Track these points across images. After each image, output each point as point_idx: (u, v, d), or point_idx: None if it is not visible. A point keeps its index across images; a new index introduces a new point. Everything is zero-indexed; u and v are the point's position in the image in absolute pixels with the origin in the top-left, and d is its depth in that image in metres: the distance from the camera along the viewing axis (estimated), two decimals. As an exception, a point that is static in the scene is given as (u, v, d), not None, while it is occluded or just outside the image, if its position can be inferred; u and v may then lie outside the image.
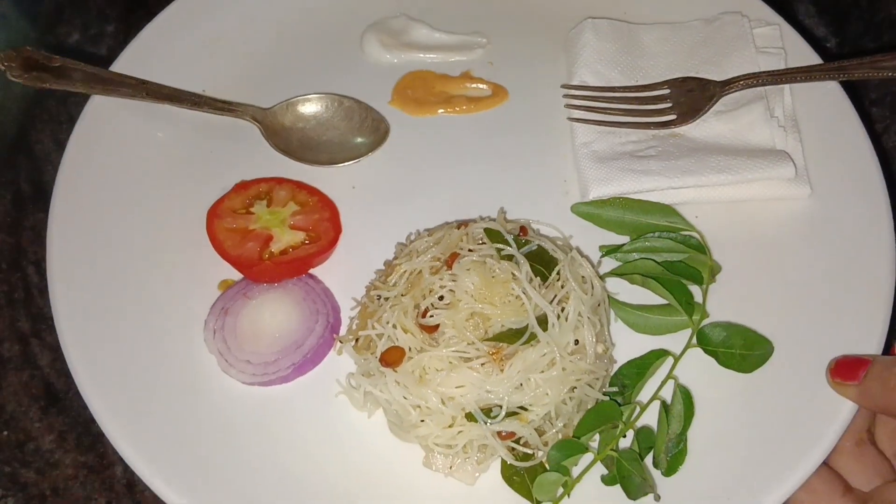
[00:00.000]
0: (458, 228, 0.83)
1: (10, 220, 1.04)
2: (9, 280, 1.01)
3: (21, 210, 1.05)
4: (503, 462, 0.76)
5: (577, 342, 0.77)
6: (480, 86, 1.00)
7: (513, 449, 0.75)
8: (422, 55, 1.02)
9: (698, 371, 0.80)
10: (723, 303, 0.84)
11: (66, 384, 0.94)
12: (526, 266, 0.77)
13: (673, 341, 0.82)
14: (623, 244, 0.87)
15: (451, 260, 0.79)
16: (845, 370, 0.77)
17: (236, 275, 0.87)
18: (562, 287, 0.78)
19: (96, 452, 0.91)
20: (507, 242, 0.79)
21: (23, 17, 1.21)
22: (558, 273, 0.79)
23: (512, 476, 0.76)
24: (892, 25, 1.19)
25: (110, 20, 1.19)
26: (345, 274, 0.87)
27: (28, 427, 0.93)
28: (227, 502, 0.75)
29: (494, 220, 0.86)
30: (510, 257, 0.78)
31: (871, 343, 0.80)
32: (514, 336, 0.75)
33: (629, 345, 0.83)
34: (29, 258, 1.02)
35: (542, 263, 0.79)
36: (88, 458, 0.91)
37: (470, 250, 0.79)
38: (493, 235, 0.81)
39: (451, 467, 0.77)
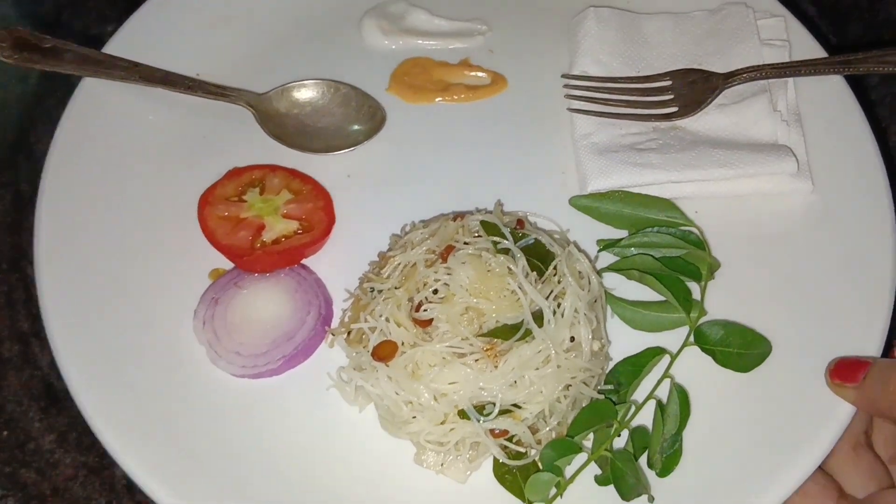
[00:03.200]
0: (454, 220, 0.82)
1: (10, 220, 1.04)
2: (9, 280, 1.00)
3: (21, 210, 1.04)
4: (495, 460, 0.75)
5: (572, 339, 0.76)
6: (479, 74, 0.98)
7: (505, 447, 0.74)
8: (421, 41, 1.01)
9: (695, 369, 0.79)
10: (722, 300, 0.83)
11: (66, 384, 0.92)
12: (522, 260, 0.76)
13: (670, 338, 0.81)
14: (621, 238, 0.86)
15: (447, 253, 0.77)
16: (844, 371, 0.76)
17: (228, 263, 0.86)
18: (558, 282, 0.77)
19: (96, 452, 0.90)
20: (503, 235, 0.78)
21: (23, 18, 1.21)
22: (555, 268, 0.77)
23: (504, 474, 0.75)
24: (892, 25, 1.18)
25: (110, 21, 1.18)
26: (338, 264, 0.86)
27: (28, 427, 0.92)
28: (214, 495, 0.74)
29: (491, 212, 0.84)
30: (506, 251, 0.77)
31: (870, 344, 0.79)
32: (509, 332, 0.74)
33: (626, 341, 0.82)
34: (29, 258, 0.97)
35: (539, 258, 0.78)
36: (88, 458, 0.91)
37: (466, 243, 0.78)
38: (489, 228, 0.79)
39: (442, 465, 0.76)
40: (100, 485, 0.89)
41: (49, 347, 0.90)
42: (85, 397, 0.78)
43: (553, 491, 0.72)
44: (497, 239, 0.78)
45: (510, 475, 0.75)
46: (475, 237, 0.79)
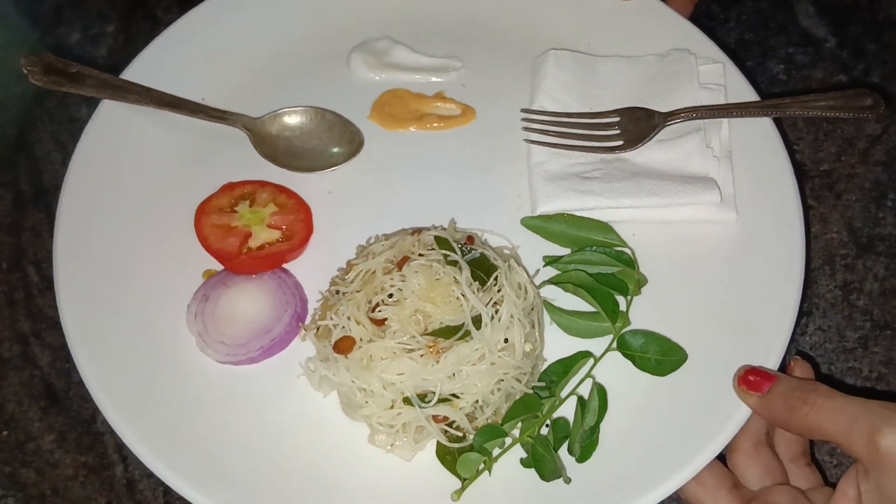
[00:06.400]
0: (413, 235, 0.93)
1: (9, 220, 1.10)
2: (9, 280, 1.06)
3: (21, 210, 1.11)
4: (438, 442, 0.86)
5: (506, 341, 0.87)
6: (451, 106, 1.10)
7: (446, 431, 0.85)
8: (402, 75, 1.12)
9: (616, 372, 0.90)
10: (647, 312, 0.94)
11: (66, 384, 1.00)
12: (467, 271, 0.88)
13: (600, 344, 0.92)
14: (564, 255, 0.97)
15: (402, 262, 0.89)
16: (752, 381, 0.85)
17: (219, 265, 0.97)
18: (498, 291, 0.88)
19: (96, 452, 0.96)
20: (453, 249, 0.89)
21: (23, 17, 1.26)
22: (496, 279, 0.89)
23: (445, 455, 0.86)
24: (892, 25, 1.23)
25: (110, 20, 1.25)
26: (314, 269, 0.97)
27: (28, 427, 0.97)
28: (193, 460, 0.86)
29: (445, 229, 0.96)
30: (455, 263, 0.89)
31: (771, 359, 0.89)
32: (450, 332, 0.85)
33: (562, 345, 0.93)
34: (29, 258, 1.08)
35: (483, 269, 0.89)
36: (88, 458, 0.96)
37: (420, 255, 0.90)
38: (441, 243, 0.91)
39: (391, 445, 0.87)
40: (100, 485, 0.95)
41: (49, 348, 0.99)
42: (91, 375, 0.89)
43: (481, 466, 0.84)
44: (447, 252, 0.89)
45: (450, 456, 0.85)
46: (429, 250, 0.90)
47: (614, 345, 0.91)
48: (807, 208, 0.99)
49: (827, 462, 0.98)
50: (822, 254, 1.09)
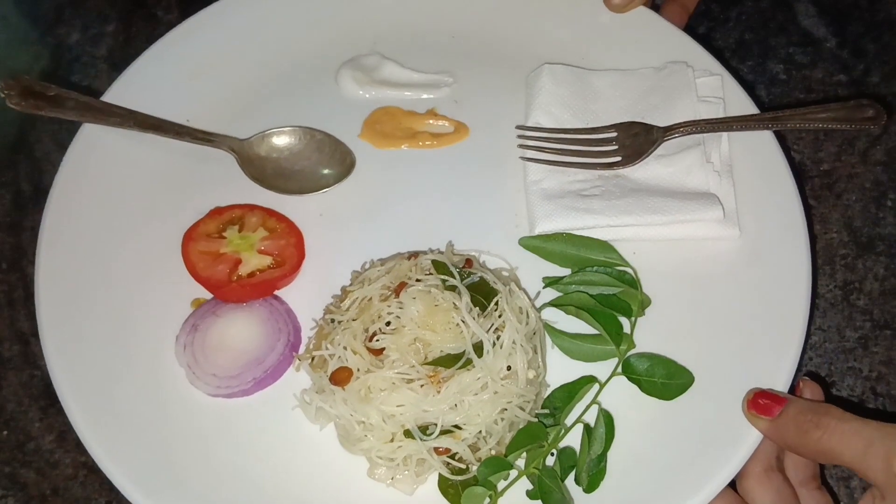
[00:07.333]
0: (409, 259, 0.90)
1: (9, 220, 1.09)
2: (9, 280, 1.05)
3: (21, 210, 1.10)
4: (440, 475, 0.83)
5: (509, 368, 0.84)
6: (443, 123, 1.07)
7: (449, 463, 0.82)
8: (392, 92, 1.09)
9: (622, 396, 0.87)
10: (651, 334, 0.91)
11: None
12: (466, 297, 0.85)
13: (604, 368, 0.90)
14: (564, 276, 0.94)
15: (400, 288, 0.86)
16: (762, 405, 0.83)
17: (209, 294, 0.94)
18: (499, 317, 0.85)
19: None
20: (451, 274, 0.87)
21: (23, 17, 1.25)
22: (496, 304, 0.86)
23: (448, 488, 0.83)
24: (892, 25, 1.23)
25: (110, 20, 1.24)
26: (307, 296, 0.94)
27: (28, 427, 0.97)
28: (184, 501, 0.83)
29: (443, 252, 0.93)
30: (453, 288, 0.86)
31: (780, 380, 0.87)
32: (451, 360, 0.82)
33: (565, 369, 0.90)
34: (29, 258, 1.05)
35: (483, 294, 0.87)
36: (88, 459, 0.90)
37: (417, 280, 0.87)
38: (439, 267, 0.88)
39: (392, 478, 0.84)
40: (100, 485, 0.94)
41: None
42: (76, 411, 0.86)
43: (486, 502, 0.81)
44: (445, 277, 0.87)
45: (453, 489, 0.83)
46: (426, 275, 0.88)
47: (619, 369, 0.88)
48: (809, 213, 0.97)
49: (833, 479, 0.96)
50: (822, 254, 1.08)
